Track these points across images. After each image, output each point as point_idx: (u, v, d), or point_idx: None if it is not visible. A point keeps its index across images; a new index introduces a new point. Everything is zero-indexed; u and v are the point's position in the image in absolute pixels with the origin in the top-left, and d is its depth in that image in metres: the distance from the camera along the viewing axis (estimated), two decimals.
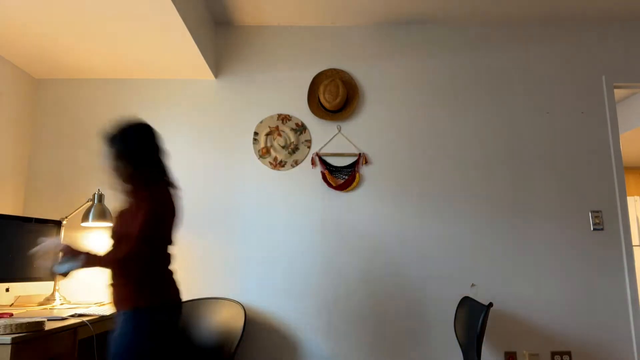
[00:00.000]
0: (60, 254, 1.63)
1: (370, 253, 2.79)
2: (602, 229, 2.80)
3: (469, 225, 2.81)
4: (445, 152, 2.90)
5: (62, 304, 2.52)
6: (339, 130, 2.93)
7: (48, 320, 1.89)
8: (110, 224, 2.73)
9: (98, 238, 2.81)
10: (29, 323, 1.63)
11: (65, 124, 2.94)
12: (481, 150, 2.90)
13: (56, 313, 2.13)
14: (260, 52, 3.03)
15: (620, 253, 2.78)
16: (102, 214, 2.64)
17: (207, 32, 2.82)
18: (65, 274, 1.62)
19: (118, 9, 2.18)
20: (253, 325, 2.72)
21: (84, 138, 2.92)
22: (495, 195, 2.85)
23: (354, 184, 2.84)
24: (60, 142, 2.91)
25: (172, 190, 1.78)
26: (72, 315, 2.04)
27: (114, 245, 1.71)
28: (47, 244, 1.66)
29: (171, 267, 1.81)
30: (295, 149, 2.90)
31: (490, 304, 2.06)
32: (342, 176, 2.85)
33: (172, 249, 1.96)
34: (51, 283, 2.58)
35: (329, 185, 2.83)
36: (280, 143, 2.91)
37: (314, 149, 2.90)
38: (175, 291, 1.78)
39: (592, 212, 2.82)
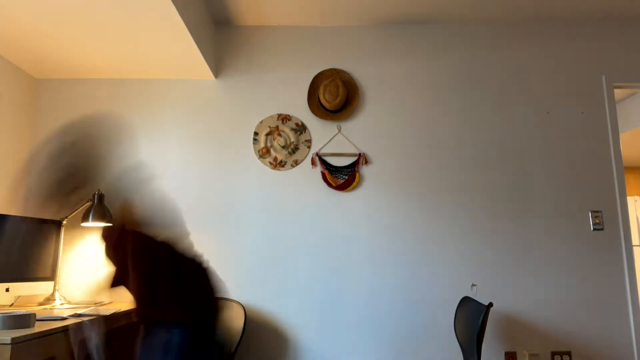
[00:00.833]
0: None
1: (370, 253, 2.79)
2: (602, 229, 2.80)
3: (469, 225, 2.81)
4: (445, 151, 2.90)
5: (62, 304, 2.52)
6: (339, 130, 2.92)
7: (48, 320, 1.89)
8: (110, 224, 2.72)
9: (98, 238, 2.81)
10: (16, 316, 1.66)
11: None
12: (481, 150, 2.90)
13: (56, 313, 2.13)
14: (260, 52, 3.03)
15: (620, 253, 2.78)
16: (102, 214, 2.64)
17: (207, 32, 2.82)
18: None
19: (118, 9, 2.18)
20: (253, 325, 2.72)
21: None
22: (495, 194, 2.85)
23: (354, 184, 2.84)
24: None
25: None
26: (72, 315, 2.04)
27: None
28: None
29: None
30: (295, 149, 2.90)
31: (490, 304, 2.06)
32: (342, 176, 2.84)
33: None
34: (51, 283, 2.58)
35: (329, 185, 2.83)
36: (280, 143, 2.91)
37: (314, 149, 2.90)
38: None
39: (592, 212, 2.82)
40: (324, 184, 2.85)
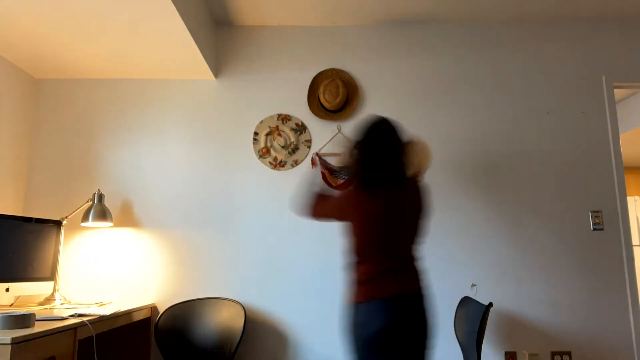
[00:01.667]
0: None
1: None
2: (602, 229, 2.80)
3: (468, 225, 2.81)
4: (444, 151, 2.90)
5: (62, 304, 2.52)
6: (339, 130, 2.93)
7: (48, 320, 1.89)
8: (111, 224, 2.73)
9: (98, 238, 2.81)
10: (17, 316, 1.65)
11: (65, 124, 2.94)
12: (481, 150, 2.90)
13: (56, 313, 2.13)
14: (260, 52, 3.03)
15: (620, 253, 2.78)
16: (102, 214, 2.64)
17: (207, 32, 2.82)
18: None
19: (118, 9, 2.18)
20: (253, 325, 2.72)
21: (84, 138, 2.92)
22: (495, 194, 2.85)
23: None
24: (60, 142, 2.91)
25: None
26: (72, 315, 2.04)
27: None
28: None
29: None
30: (295, 149, 2.90)
31: (490, 304, 2.06)
32: (342, 176, 2.84)
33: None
34: (51, 283, 2.58)
35: (329, 185, 2.83)
36: (280, 143, 2.91)
37: (314, 149, 2.90)
38: None
39: (592, 212, 2.82)
40: (324, 184, 2.85)
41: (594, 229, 2.80)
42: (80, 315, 2.05)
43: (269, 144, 2.91)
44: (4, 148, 2.69)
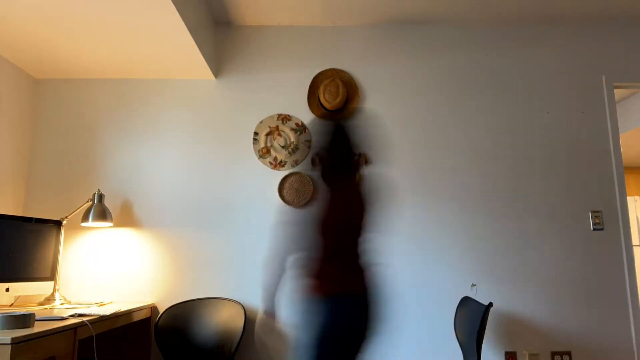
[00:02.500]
0: None
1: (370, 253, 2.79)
2: (602, 229, 2.80)
3: (469, 225, 2.81)
4: (444, 151, 2.90)
5: (62, 304, 2.52)
6: None
7: (48, 320, 1.89)
8: (111, 224, 2.73)
9: (98, 238, 2.81)
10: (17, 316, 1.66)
11: (65, 124, 2.94)
12: (481, 150, 2.90)
13: (56, 313, 2.13)
14: (260, 52, 3.03)
15: (620, 253, 2.78)
16: (102, 214, 2.64)
17: (207, 32, 2.82)
18: None
19: (118, 9, 2.18)
20: (253, 325, 2.72)
21: (84, 138, 2.92)
22: (495, 194, 2.85)
23: None
24: (60, 142, 2.91)
25: None
26: (72, 315, 2.04)
27: None
28: None
29: None
30: (295, 149, 2.90)
31: (490, 304, 2.06)
32: None
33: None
34: (51, 283, 2.58)
35: None
36: (280, 143, 2.91)
37: (314, 148, 2.90)
38: None
39: (592, 212, 2.82)
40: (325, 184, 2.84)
41: (594, 229, 2.80)
42: (80, 315, 2.05)
43: (269, 144, 2.91)
44: (4, 148, 2.69)
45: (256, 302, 2.75)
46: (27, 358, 1.59)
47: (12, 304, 2.57)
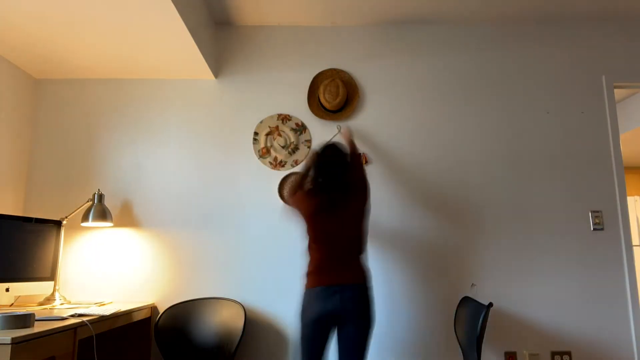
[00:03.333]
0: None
1: (370, 253, 2.79)
2: (602, 229, 2.80)
3: (469, 225, 2.81)
4: (445, 151, 2.90)
5: (62, 304, 2.52)
6: (339, 130, 2.93)
7: (48, 320, 1.89)
8: (111, 224, 2.73)
9: (98, 238, 2.81)
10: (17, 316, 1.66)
11: (65, 124, 2.94)
12: (481, 150, 2.90)
13: (56, 313, 2.13)
14: (260, 52, 3.03)
15: (620, 253, 2.78)
16: (102, 214, 2.64)
17: (207, 32, 2.82)
18: None
19: (118, 9, 2.18)
20: (253, 325, 2.72)
21: (84, 138, 2.92)
22: (495, 194, 2.85)
23: None
24: (60, 142, 2.91)
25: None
26: (72, 315, 2.04)
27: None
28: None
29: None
30: (295, 149, 2.90)
31: (490, 304, 2.07)
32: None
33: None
34: (51, 283, 2.58)
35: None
36: (280, 143, 2.91)
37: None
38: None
39: (592, 212, 2.82)
40: None
41: (594, 229, 2.80)
42: (80, 315, 2.05)
43: (269, 144, 2.91)
44: (4, 148, 2.69)
45: (256, 302, 2.75)
46: (27, 358, 1.59)
47: (12, 304, 2.57)
